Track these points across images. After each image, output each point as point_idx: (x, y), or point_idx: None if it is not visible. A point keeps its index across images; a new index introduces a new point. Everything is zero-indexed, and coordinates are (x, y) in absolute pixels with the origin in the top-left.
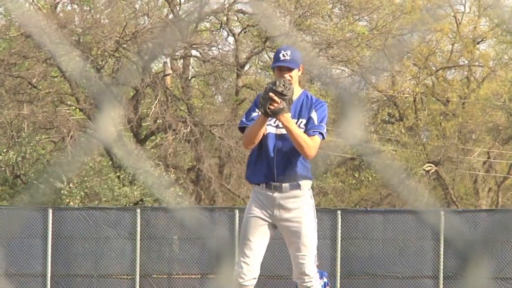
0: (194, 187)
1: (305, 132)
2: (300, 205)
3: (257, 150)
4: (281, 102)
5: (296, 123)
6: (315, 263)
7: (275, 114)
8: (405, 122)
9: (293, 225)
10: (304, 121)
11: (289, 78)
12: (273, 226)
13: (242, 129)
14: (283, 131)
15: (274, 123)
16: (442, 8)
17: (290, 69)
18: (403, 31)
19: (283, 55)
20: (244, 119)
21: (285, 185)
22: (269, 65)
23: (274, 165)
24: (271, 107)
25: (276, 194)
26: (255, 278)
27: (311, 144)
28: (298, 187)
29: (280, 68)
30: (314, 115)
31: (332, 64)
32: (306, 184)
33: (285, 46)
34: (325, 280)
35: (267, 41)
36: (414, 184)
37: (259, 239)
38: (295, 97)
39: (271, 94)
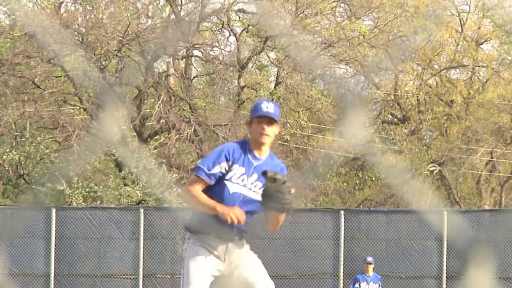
0: None
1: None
2: None
3: None
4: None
5: (260, 188)
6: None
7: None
8: (408, 125)
9: None
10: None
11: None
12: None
13: (198, 177)
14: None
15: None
16: (447, 9)
17: (271, 122)
18: (406, 34)
19: (266, 107)
20: (205, 169)
21: None
22: (266, 64)
23: None
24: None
25: None
26: None
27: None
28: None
29: (260, 119)
30: None
31: (334, 63)
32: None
33: (267, 99)
34: (379, 283)
35: (267, 41)
36: (418, 185)
37: None
38: (263, 156)
39: (292, 190)
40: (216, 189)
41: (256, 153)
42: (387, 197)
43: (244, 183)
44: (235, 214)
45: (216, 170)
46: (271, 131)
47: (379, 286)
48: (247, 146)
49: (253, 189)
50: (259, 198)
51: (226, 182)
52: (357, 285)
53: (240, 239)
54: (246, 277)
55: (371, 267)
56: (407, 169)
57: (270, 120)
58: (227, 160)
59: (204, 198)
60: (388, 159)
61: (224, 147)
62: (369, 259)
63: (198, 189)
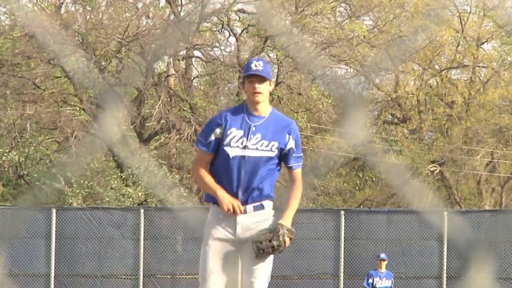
0: (198, 187)
1: (283, 161)
2: None
3: None
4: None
5: (267, 146)
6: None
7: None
8: (408, 124)
9: None
10: (276, 144)
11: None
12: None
13: (198, 150)
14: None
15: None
16: (447, 8)
17: (262, 80)
18: (406, 34)
19: (255, 65)
20: (202, 140)
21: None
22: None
23: None
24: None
25: None
26: None
27: (300, 188)
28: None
29: (251, 78)
30: (292, 142)
31: (334, 63)
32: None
33: (257, 58)
34: (392, 280)
35: (267, 41)
36: (419, 185)
37: None
38: (265, 114)
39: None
40: (219, 157)
41: (254, 112)
42: (387, 197)
43: (244, 145)
44: (232, 205)
45: (212, 137)
46: (264, 88)
47: (391, 282)
48: (244, 108)
49: (260, 148)
50: (269, 154)
51: (225, 148)
52: (370, 280)
53: (253, 208)
54: (249, 265)
55: (384, 263)
56: (407, 168)
57: (261, 78)
58: (220, 125)
59: (207, 181)
60: (389, 159)
61: (218, 114)
62: (383, 255)
63: (202, 168)
